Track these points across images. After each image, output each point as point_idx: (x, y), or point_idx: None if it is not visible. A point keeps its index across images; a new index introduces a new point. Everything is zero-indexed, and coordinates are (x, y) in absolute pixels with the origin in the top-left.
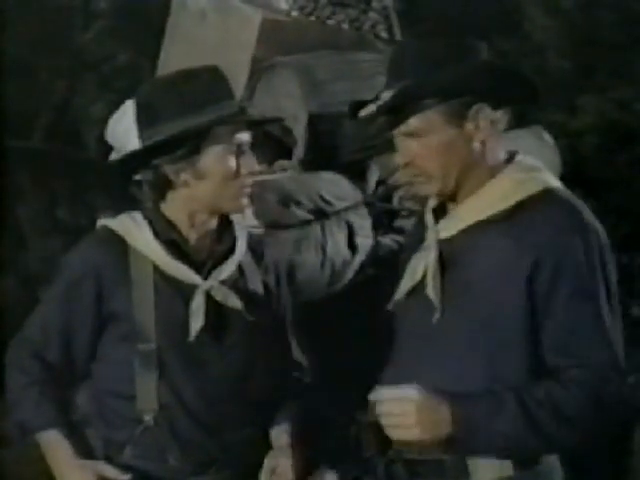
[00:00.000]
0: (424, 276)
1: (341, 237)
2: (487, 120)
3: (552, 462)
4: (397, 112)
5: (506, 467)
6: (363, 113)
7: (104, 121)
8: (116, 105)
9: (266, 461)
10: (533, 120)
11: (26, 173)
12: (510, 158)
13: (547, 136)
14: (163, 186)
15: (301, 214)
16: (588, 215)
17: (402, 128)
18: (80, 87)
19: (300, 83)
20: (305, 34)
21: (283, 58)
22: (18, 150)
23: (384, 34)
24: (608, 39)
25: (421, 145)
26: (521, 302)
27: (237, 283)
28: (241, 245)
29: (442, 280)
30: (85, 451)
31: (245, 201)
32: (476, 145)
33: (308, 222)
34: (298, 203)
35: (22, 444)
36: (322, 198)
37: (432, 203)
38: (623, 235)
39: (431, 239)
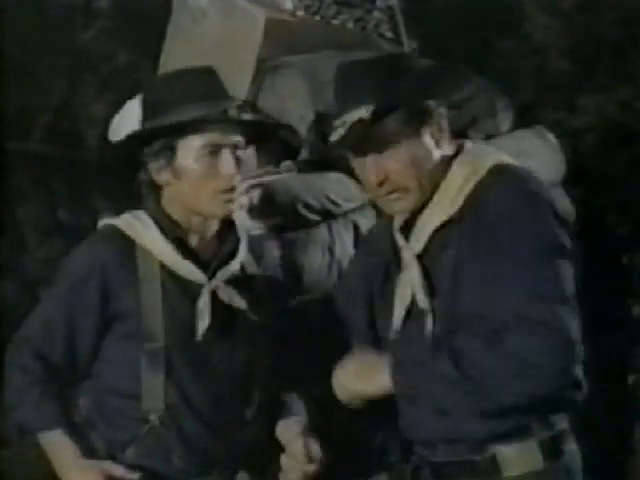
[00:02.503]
0: (413, 296)
1: (348, 238)
2: (445, 118)
3: (574, 454)
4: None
5: (536, 460)
6: (334, 138)
7: (104, 121)
8: (116, 105)
9: (291, 446)
10: (533, 120)
11: (25, 173)
12: (458, 149)
13: (550, 136)
14: (154, 186)
15: (308, 215)
16: (535, 185)
17: (368, 147)
18: (80, 87)
19: (305, 83)
20: (310, 34)
21: (288, 58)
22: (17, 150)
23: (389, 33)
24: (609, 39)
25: (392, 160)
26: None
27: (240, 283)
28: (243, 246)
29: (431, 294)
30: (88, 451)
31: (229, 205)
32: (441, 144)
33: (315, 223)
34: (305, 204)
35: (20, 443)
36: (329, 199)
37: (399, 222)
38: (623, 234)
39: (408, 258)
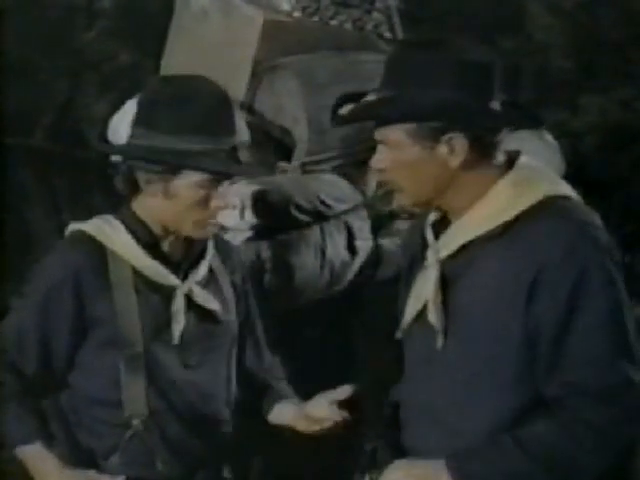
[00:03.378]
0: (427, 302)
1: (340, 239)
2: (463, 147)
3: None
4: (367, 119)
5: None
6: (343, 111)
7: (106, 120)
8: (118, 104)
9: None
10: None
11: (28, 172)
12: (511, 161)
13: (550, 137)
14: (133, 187)
15: (300, 216)
16: (598, 229)
17: (377, 135)
18: (82, 86)
19: (301, 85)
20: (307, 35)
21: (285, 59)
22: (20, 149)
23: (387, 34)
24: (611, 39)
25: (391, 156)
26: (519, 327)
27: (209, 284)
28: (210, 247)
29: (445, 303)
30: (71, 461)
31: (206, 231)
32: (454, 165)
33: (307, 224)
34: (297, 205)
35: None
36: (321, 200)
37: (432, 217)
38: (625, 234)
39: (432, 259)
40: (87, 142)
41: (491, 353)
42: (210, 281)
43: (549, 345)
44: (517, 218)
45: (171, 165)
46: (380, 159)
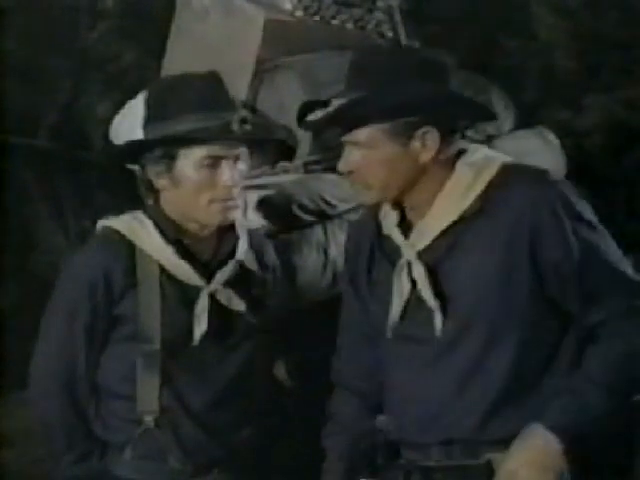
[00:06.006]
0: (411, 293)
1: (343, 239)
2: (435, 140)
3: None
4: (343, 121)
5: None
6: (310, 118)
7: (110, 120)
8: (122, 104)
9: None
10: (539, 119)
11: (31, 172)
12: (459, 152)
13: (552, 136)
14: (150, 188)
15: (303, 216)
16: (552, 174)
17: (347, 137)
18: (86, 86)
19: (303, 84)
20: (309, 34)
21: (287, 59)
22: (23, 149)
23: (389, 33)
24: (615, 38)
25: (363, 157)
26: (530, 282)
27: (239, 283)
28: (242, 245)
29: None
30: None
31: (224, 214)
32: (425, 160)
33: (310, 224)
34: (299, 205)
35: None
36: (324, 200)
37: (393, 217)
38: (628, 234)
39: (410, 254)
40: (91, 142)
41: (495, 318)
42: (239, 279)
43: (574, 282)
44: (486, 192)
45: (167, 148)
46: (350, 161)
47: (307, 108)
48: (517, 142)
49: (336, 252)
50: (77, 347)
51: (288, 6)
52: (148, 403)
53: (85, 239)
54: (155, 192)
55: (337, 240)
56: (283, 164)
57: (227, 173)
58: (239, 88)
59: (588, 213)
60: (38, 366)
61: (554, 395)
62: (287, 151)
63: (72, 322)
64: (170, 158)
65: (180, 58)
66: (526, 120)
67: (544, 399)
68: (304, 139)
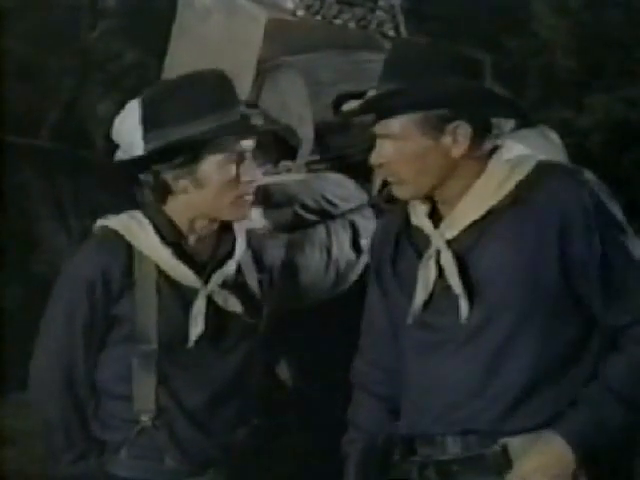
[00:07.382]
0: (436, 283)
1: (346, 238)
2: (466, 136)
3: None
4: (379, 110)
5: None
6: (345, 108)
7: (111, 120)
8: (123, 104)
9: None
10: (541, 119)
11: (32, 172)
12: (495, 147)
13: (553, 135)
14: (163, 191)
15: (305, 215)
16: (587, 174)
17: (380, 129)
18: (87, 86)
19: (305, 84)
20: (311, 33)
21: (289, 58)
22: (24, 149)
23: (391, 33)
24: (616, 37)
25: (395, 149)
26: (557, 277)
27: (236, 284)
28: (240, 245)
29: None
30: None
31: (245, 209)
32: (456, 155)
33: (312, 224)
34: (302, 204)
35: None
36: (326, 199)
37: (423, 209)
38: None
39: (439, 243)
40: (92, 142)
41: (521, 309)
42: (237, 280)
43: (600, 282)
44: (518, 188)
45: (190, 153)
46: (382, 153)
47: (343, 99)
48: (519, 141)
49: (339, 252)
50: (76, 347)
51: (290, 5)
52: (144, 403)
53: (85, 237)
54: (163, 194)
55: (340, 240)
56: (285, 163)
57: (249, 169)
58: (241, 87)
59: (618, 214)
60: (38, 366)
61: (571, 403)
62: (289, 150)
63: (71, 322)
64: (192, 162)
65: (182, 58)
66: (525, 120)
67: (566, 394)
68: (307, 139)
